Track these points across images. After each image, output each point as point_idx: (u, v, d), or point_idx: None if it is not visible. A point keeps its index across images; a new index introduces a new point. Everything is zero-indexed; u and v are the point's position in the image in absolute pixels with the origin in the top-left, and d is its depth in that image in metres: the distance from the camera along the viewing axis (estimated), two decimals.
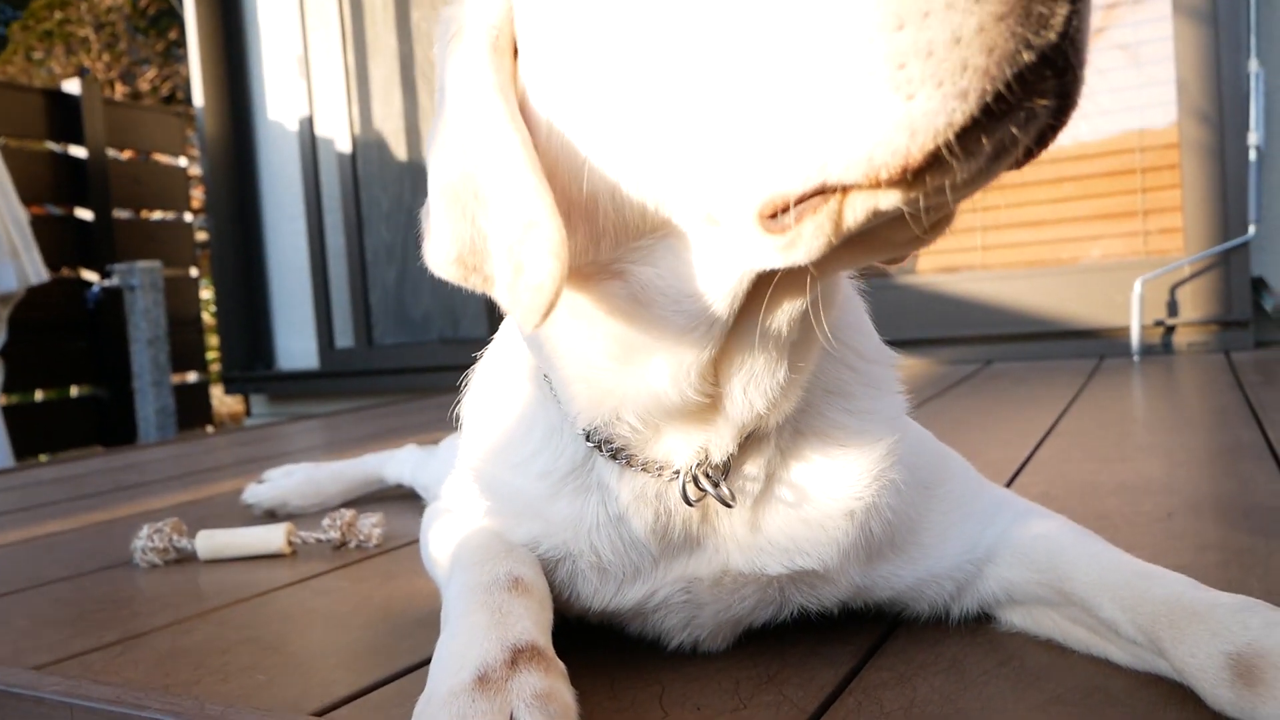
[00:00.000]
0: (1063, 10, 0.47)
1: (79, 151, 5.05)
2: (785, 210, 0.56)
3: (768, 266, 0.61)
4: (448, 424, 0.95)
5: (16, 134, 4.92)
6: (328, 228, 4.71)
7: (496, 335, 0.92)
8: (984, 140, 0.49)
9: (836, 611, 0.84)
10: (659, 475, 0.75)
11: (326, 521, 1.38)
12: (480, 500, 0.86)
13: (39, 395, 5.59)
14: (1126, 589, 0.73)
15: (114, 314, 4.79)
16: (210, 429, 5.69)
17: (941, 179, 0.51)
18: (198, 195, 6.90)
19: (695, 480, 0.74)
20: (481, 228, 0.66)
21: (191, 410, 5.36)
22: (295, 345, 4.93)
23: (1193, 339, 3.27)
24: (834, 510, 0.77)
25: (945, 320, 3.56)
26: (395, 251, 4.54)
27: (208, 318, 6.55)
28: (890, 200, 0.53)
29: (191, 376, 5.65)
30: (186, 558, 1.38)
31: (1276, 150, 3.18)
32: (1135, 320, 3.22)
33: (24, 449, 4.77)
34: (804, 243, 0.57)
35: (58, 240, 4.91)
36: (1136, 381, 2.65)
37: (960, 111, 0.47)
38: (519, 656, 0.65)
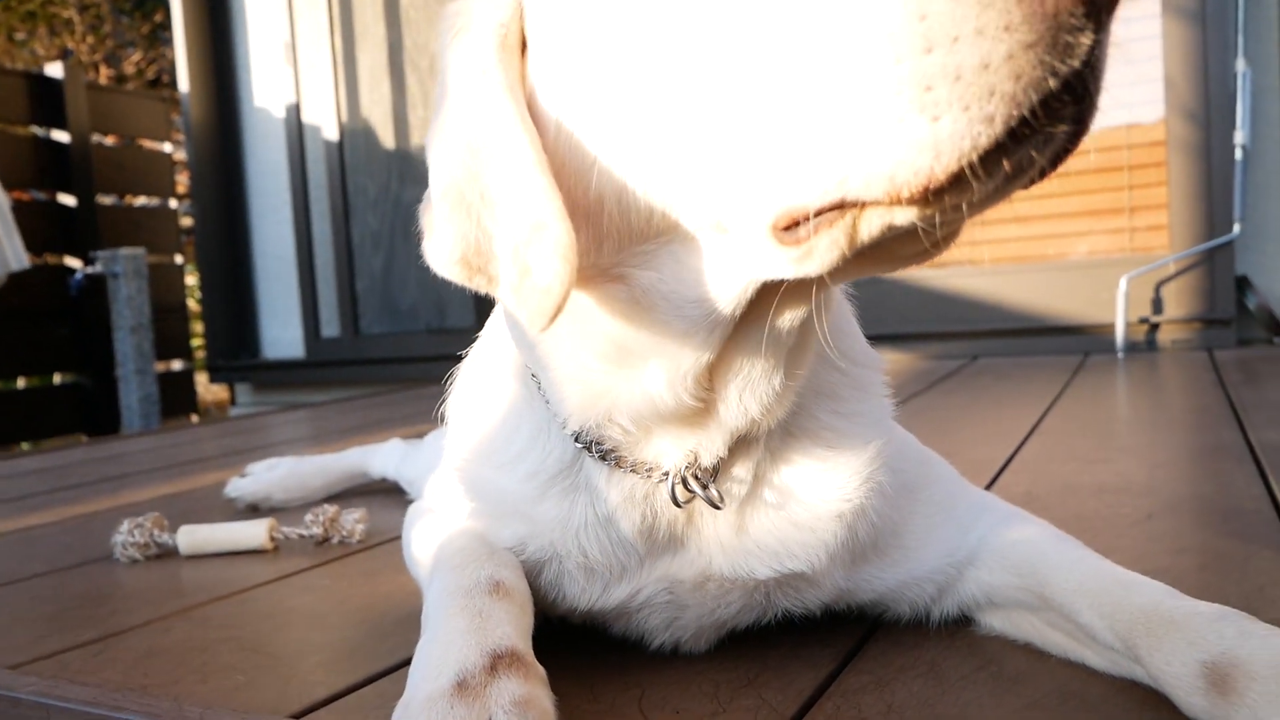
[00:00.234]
0: (1087, 40, 0.47)
1: (62, 136, 4.99)
2: (799, 223, 0.56)
3: (778, 277, 0.61)
4: (434, 416, 0.95)
5: None
6: (314, 215, 4.67)
7: (483, 330, 0.92)
8: (1005, 162, 0.50)
9: (819, 613, 0.84)
10: (648, 477, 0.75)
11: (309, 517, 1.38)
12: (465, 501, 0.85)
13: (21, 383, 5.56)
14: (1105, 595, 0.73)
15: (97, 301, 4.75)
16: (195, 417, 5.66)
17: (960, 198, 0.52)
18: (183, 181, 6.83)
19: (684, 482, 0.74)
20: (487, 228, 0.66)
21: (176, 398, 5.32)
22: (281, 334, 4.90)
23: (1176, 336, 3.29)
24: (824, 512, 0.77)
25: (931, 315, 3.57)
26: (382, 240, 4.51)
27: (192, 305, 6.50)
28: (906, 216, 0.54)
29: (176, 364, 5.61)
30: (167, 553, 1.37)
31: (1262, 149, 3.20)
32: (1120, 317, 3.24)
33: (6, 437, 4.74)
34: (818, 255, 0.57)
35: (40, 226, 4.86)
36: (1120, 379, 2.66)
37: (986, 135, 0.48)
38: (498, 662, 0.65)
